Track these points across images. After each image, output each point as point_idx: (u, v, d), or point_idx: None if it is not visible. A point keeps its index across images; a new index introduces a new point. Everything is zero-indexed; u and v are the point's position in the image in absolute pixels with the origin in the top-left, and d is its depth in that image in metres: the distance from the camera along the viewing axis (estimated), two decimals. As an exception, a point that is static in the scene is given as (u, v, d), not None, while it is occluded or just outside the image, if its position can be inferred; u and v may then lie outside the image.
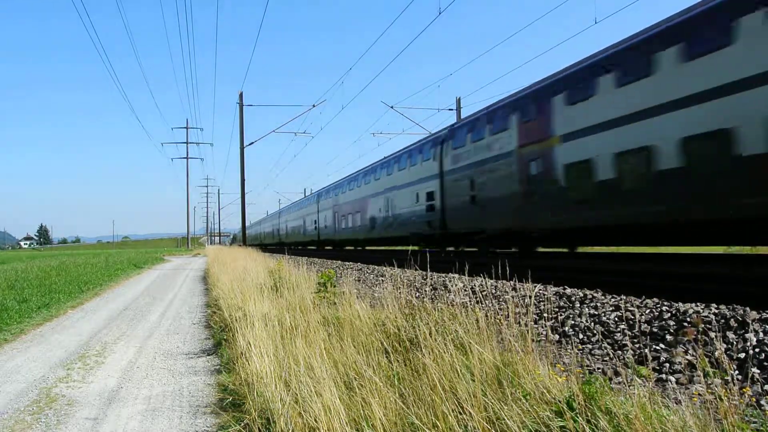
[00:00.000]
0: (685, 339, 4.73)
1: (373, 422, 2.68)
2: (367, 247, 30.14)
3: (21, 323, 8.62)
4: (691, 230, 9.79)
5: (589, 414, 2.51)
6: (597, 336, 5.45)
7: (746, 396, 2.90)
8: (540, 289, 7.74)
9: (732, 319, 5.03)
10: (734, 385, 2.53)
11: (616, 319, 5.79)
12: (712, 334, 4.40)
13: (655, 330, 5.23)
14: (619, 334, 5.35)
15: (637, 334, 5.19)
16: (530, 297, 4.74)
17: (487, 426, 2.54)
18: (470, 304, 4.79)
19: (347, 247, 34.21)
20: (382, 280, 11.82)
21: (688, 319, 5.21)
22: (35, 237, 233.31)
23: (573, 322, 6.04)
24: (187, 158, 71.91)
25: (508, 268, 5.61)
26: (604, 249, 16.97)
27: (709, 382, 3.44)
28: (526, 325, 3.49)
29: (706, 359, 4.11)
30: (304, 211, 45.15)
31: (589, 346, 5.29)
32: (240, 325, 5.19)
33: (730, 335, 4.72)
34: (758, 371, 4.04)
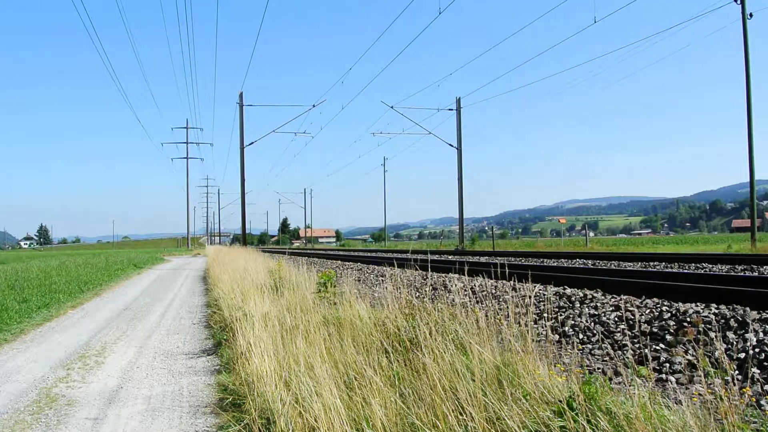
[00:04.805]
0: (685, 339, 4.73)
1: (374, 422, 2.68)
2: None
3: (21, 323, 8.62)
4: None
5: (589, 414, 2.51)
6: (597, 336, 5.45)
7: (746, 396, 2.90)
8: (540, 289, 7.74)
9: (732, 319, 5.03)
10: (734, 385, 2.53)
11: (616, 319, 5.79)
12: (712, 334, 4.40)
13: (655, 330, 5.23)
14: (619, 334, 5.35)
15: (637, 334, 5.19)
16: (530, 297, 4.74)
17: (487, 426, 2.54)
18: (470, 304, 4.79)
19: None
20: (382, 280, 11.82)
21: (688, 319, 5.21)
22: (35, 237, 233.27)
23: (573, 322, 6.03)
24: (187, 158, 71.96)
25: (506, 269, 5.62)
26: (604, 249, 17.03)
27: (709, 382, 3.44)
28: (526, 325, 3.49)
29: (707, 359, 4.11)
30: None
31: (589, 346, 5.28)
32: (240, 325, 5.19)
33: (730, 335, 4.72)
34: (758, 371, 4.03)
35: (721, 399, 2.41)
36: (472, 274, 10.58)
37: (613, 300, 6.61)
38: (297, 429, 2.89)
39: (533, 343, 3.35)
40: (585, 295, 7.10)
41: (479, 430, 2.52)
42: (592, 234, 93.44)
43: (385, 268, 15.16)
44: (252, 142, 34.34)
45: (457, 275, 10.96)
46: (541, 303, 6.78)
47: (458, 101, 39.19)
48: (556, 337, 5.74)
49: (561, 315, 6.41)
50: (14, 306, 10.10)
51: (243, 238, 35.78)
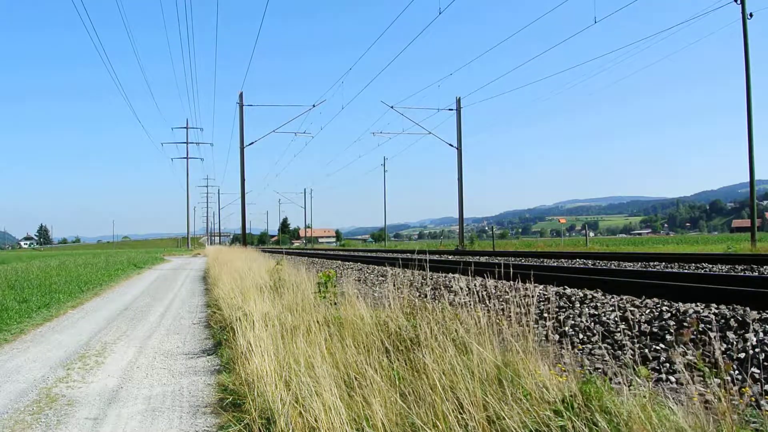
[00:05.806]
0: (683, 340, 4.73)
1: (374, 422, 2.68)
2: None
3: (21, 323, 8.62)
4: None
5: (588, 414, 2.51)
6: (597, 336, 5.45)
7: (746, 396, 2.90)
8: (540, 289, 7.74)
9: (732, 319, 5.03)
10: (734, 385, 2.53)
11: (616, 319, 5.79)
12: (712, 335, 4.40)
13: (655, 330, 5.24)
14: (619, 334, 5.35)
15: (637, 334, 5.20)
16: (531, 297, 4.73)
17: (487, 425, 2.54)
18: (470, 304, 4.79)
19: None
20: (383, 280, 11.83)
21: (688, 319, 5.21)
22: (35, 237, 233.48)
23: (573, 322, 6.04)
24: (187, 158, 72.00)
25: (505, 269, 5.63)
26: (604, 249, 17.07)
27: (709, 382, 3.44)
28: (526, 324, 3.49)
29: (705, 359, 4.11)
30: None
31: (590, 346, 5.29)
32: (240, 325, 5.20)
33: (730, 335, 4.72)
34: (758, 371, 4.04)
35: (720, 399, 2.41)
36: (472, 273, 10.59)
37: (613, 300, 6.62)
38: (297, 429, 2.90)
39: (533, 343, 3.36)
40: (585, 295, 7.10)
41: (479, 430, 2.52)
42: (592, 234, 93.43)
43: (385, 268, 15.16)
44: (252, 142, 34.35)
45: (457, 275, 10.97)
46: (542, 303, 6.78)
47: (458, 101, 39.20)
48: (557, 337, 5.74)
49: (561, 315, 6.42)
50: (14, 306, 10.10)
51: (243, 238, 35.79)
